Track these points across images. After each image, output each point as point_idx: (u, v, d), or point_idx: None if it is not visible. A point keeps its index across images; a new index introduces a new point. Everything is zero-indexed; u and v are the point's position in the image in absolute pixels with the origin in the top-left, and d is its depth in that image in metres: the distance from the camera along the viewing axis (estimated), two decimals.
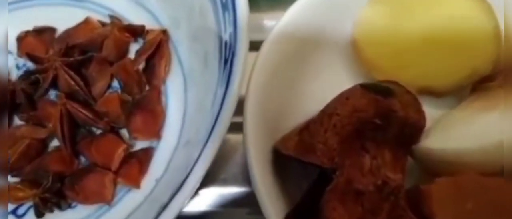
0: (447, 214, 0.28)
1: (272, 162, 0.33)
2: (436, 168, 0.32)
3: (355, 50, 0.38)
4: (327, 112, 0.31)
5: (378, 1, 0.38)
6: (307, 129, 0.31)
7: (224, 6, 0.30)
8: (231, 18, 0.29)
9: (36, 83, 0.38)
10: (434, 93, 0.36)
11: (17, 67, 0.40)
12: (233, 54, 0.28)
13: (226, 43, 0.30)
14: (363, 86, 0.31)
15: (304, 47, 0.37)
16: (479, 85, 0.36)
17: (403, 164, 0.32)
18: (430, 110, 0.33)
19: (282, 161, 0.34)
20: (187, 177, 0.27)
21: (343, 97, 0.31)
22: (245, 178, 0.40)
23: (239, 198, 0.39)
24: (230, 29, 0.30)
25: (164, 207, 0.27)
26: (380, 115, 0.30)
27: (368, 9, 0.38)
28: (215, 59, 0.32)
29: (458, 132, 0.32)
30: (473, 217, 0.29)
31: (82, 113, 0.36)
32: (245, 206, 0.39)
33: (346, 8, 0.38)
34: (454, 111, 0.35)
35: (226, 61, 0.29)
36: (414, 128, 0.32)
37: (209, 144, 0.27)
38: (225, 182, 0.39)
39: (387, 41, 0.37)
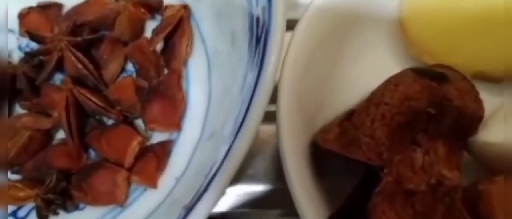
0: (509, 217, 0.25)
1: (309, 157, 0.30)
2: (496, 164, 0.29)
3: (402, 30, 0.34)
4: (374, 101, 0.28)
5: None
6: (350, 120, 0.28)
7: None
8: None
9: (40, 66, 0.33)
10: (491, 79, 0.33)
11: (20, 48, 0.36)
12: (266, 32, 0.24)
13: (257, 20, 0.25)
14: (414, 71, 0.29)
15: (344, 26, 0.34)
16: None
17: (459, 160, 0.28)
18: (486, 98, 0.29)
19: (320, 156, 0.30)
20: (214, 175, 0.23)
21: (392, 84, 0.28)
22: (277, 174, 0.36)
23: (269, 197, 0.36)
24: (262, 2, 0.25)
25: (189, 210, 0.22)
26: (434, 104, 0.28)
27: None
28: (245, 38, 0.27)
29: None
30: None
31: (92, 100, 0.31)
32: (276, 206, 0.35)
33: None
34: None
35: (258, 41, 0.25)
36: (471, 119, 0.29)
37: (239, 137, 0.23)
38: (253, 179, 0.36)
39: (438, 19, 0.34)
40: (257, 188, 0.35)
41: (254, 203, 0.35)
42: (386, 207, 0.25)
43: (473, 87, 0.29)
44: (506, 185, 0.26)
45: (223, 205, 0.35)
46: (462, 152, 0.29)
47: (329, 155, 0.29)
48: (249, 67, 0.25)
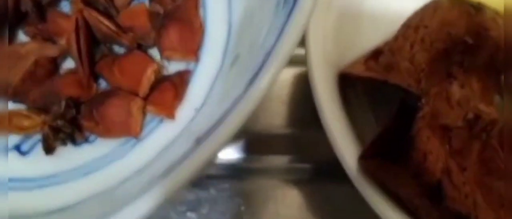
0: None
1: (338, 88, 0.29)
2: None
3: None
4: (413, 24, 0.27)
5: None
6: (386, 47, 0.27)
7: None
8: None
9: None
10: None
11: None
12: None
13: None
14: None
15: None
16: None
17: (492, 97, 0.27)
18: None
19: (349, 92, 0.29)
20: (233, 107, 0.20)
21: (431, 8, 0.28)
22: (290, 120, 0.35)
23: (279, 143, 0.35)
24: None
25: (200, 141, 0.20)
26: (471, 32, 0.27)
27: None
28: None
29: None
30: None
31: (103, 23, 0.29)
32: (287, 152, 0.34)
33: None
34: None
35: None
36: (509, 54, 0.27)
37: (272, 57, 0.20)
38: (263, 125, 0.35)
39: None
40: (268, 132, 0.35)
41: (264, 149, 0.34)
42: (430, 133, 0.24)
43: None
44: None
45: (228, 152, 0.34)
46: (495, 90, 0.27)
47: (357, 90, 0.29)
48: None
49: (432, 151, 0.24)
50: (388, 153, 0.25)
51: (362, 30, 0.32)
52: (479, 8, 0.28)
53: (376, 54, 0.28)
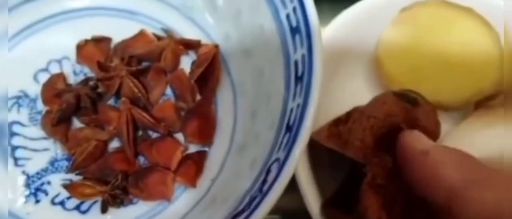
0: None
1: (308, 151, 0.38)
2: None
3: (377, 65, 0.43)
4: (366, 114, 0.35)
5: (401, 23, 0.44)
6: (337, 125, 0.35)
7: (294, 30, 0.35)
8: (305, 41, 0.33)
9: (94, 89, 0.41)
10: (443, 108, 0.41)
11: (74, 73, 0.43)
12: (309, 70, 0.32)
13: (296, 62, 0.34)
14: (395, 94, 0.36)
15: (336, 59, 0.43)
16: (483, 103, 0.41)
17: None
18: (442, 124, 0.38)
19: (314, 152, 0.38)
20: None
21: (380, 102, 0.35)
22: None
23: None
24: (302, 50, 0.34)
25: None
26: (407, 121, 0.35)
27: (390, 29, 0.44)
28: (279, 72, 0.36)
29: (463, 145, 0.35)
30: None
31: (145, 117, 0.39)
32: None
33: (371, 28, 0.44)
34: (461, 125, 0.40)
35: (297, 79, 0.33)
36: (431, 137, 0.35)
37: (289, 160, 0.30)
38: None
39: (407, 58, 0.42)
40: None
41: None
42: (370, 192, 0.32)
43: (435, 111, 0.36)
44: None
45: None
46: None
47: (321, 152, 0.37)
48: (288, 100, 0.34)
49: (371, 205, 0.32)
50: (343, 205, 0.33)
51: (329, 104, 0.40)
52: (415, 102, 0.36)
53: (337, 122, 0.35)
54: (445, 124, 0.39)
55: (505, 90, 0.42)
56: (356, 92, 0.43)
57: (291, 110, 0.33)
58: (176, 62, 0.42)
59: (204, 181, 0.39)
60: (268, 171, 0.31)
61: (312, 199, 0.36)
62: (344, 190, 0.35)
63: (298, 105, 0.32)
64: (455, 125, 0.41)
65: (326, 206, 0.35)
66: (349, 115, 0.35)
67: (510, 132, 0.37)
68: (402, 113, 0.35)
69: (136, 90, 0.40)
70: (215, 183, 0.39)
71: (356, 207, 0.33)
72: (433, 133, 0.36)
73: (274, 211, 0.40)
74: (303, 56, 0.33)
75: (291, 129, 0.32)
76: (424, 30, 0.43)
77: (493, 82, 0.41)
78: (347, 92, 0.43)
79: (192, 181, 0.39)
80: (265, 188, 0.30)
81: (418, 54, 0.42)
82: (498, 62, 0.42)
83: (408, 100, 0.35)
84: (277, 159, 0.31)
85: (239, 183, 0.34)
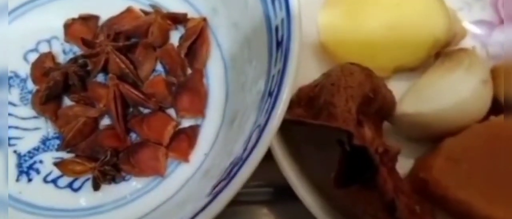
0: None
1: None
2: (412, 130, 0.38)
3: (326, 52, 0.43)
4: (342, 84, 0.34)
5: (331, 4, 0.44)
6: (318, 100, 0.35)
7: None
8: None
9: (84, 67, 0.40)
10: (407, 69, 0.42)
11: (64, 52, 0.43)
12: (288, 35, 0.32)
13: (276, 28, 0.33)
14: (353, 64, 0.35)
15: None
16: (441, 52, 0.41)
17: (381, 135, 0.37)
18: (407, 83, 0.40)
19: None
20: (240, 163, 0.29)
21: (347, 71, 0.35)
22: None
23: None
24: (281, 14, 0.33)
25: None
26: (372, 90, 0.35)
27: (324, 13, 0.44)
28: (263, 43, 0.35)
29: (427, 95, 0.37)
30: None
31: (134, 93, 0.39)
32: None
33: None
34: (423, 77, 0.40)
35: (278, 44, 0.33)
36: (391, 104, 0.37)
37: (269, 126, 0.29)
38: None
39: (351, 37, 0.42)
40: None
41: None
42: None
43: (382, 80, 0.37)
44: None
45: None
46: (382, 130, 0.37)
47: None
48: (271, 66, 0.33)
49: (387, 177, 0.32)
50: (357, 181, 0.32)
51: None
52: (371, 72, 0.36)
53: (309, 100, 0.35)
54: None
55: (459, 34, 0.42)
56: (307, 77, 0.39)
57: (273, 76, 0.32)
58: (165, 37, 0.42)
59: (197, 155, 0.39)
60: (249, 139, 0.31)
61: (289, 170, 0.36)
62: (345, 168, 0.33)
63: (278, 71, 0.31)
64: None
65: (339, 185, 0.33)
66: (319, 89, 0.35)
67: (470, 75, 0.37)
68: (368, 82, 0.35)
69: (123, 65, 0.39)
70: (208, 156, 0.38)
71: (373, 181, 0.31)
72: (392, 100, 0.37)
73: (267, 184, 0.42)
74: (282, 20, 0.33)
75: (271, 94, 0.31)
76: (358, 3, 0.43)
77: (446, 27, 0.41)
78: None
79: (185, 156, 0.38)
80: (245, 155, 0.29)
81: (361, 29, 0.42)
82: (443, 6, 0.42)
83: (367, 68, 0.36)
84: (258, 125, 0.30)
85: (230, 156, 0.33)
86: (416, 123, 0.37)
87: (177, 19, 0.42)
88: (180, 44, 0.41)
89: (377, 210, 0.31)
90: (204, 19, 0.41)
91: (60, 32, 0.43)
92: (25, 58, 0.42)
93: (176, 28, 0.43)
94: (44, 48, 0.42)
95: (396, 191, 0.32)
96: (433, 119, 0.37)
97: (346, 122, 0.32)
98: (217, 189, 0.29)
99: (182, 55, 0.41)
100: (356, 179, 0.33)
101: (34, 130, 0.40)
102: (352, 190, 0.32)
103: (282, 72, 0.31)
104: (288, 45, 0.32)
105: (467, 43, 0.43)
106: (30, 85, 0.41)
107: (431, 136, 0.37)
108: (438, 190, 0.34)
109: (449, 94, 0.37)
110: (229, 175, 0.29)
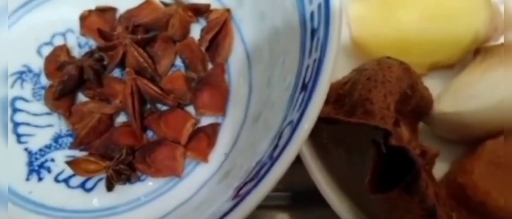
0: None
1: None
2: (450, 130, 0.35)
3: (357, 48, 0.40)
4: (379, 79, 0.31)
5: None
6: (355, 94, 0.32)
7: None
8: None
9: (100, 60, 0.38)
10: (444, 66, 0.39)
11: (79, 45, 0.41)
12: (326, 22, 0.29)
13: (312, 14, 0.31)
14: (390, 58, 0.33)
15: None
16: (481, 47, 0.37)
17: (417, 136, 0.34)
18: (443, 82, 0.37)
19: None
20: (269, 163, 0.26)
21: (385, 65, 0.32)
22: None
23: None
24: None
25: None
26: (410, 86, 0.32)
27: (355, 6, 0.41)
28: (295, 33, 0.33)
29: (467, 94, 0.34)
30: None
31: (152, 88, 0.36)
32: None
33: None
34: (461, 75, 0.37)
35: (313, 33, 0.30)
36: (428, 102, 0.34)
37: (303, 121, 0.27)
38: None
39: (384, 31, 0.39)
40: None
41: None
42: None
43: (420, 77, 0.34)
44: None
45: None
46: (418, 131, 0.35)
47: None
48: (304, 57, 0.30)
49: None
50: (394, 186, 0.29)
51: None
52: (410, 67, 0.33)
53: (339, 97, 0.32)
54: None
55: (501, 28, 0.39)
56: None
57: (307, 67, 0.29)
58: (185, 30, 0.39)
59: (217, 155, 0.36)
60: (280, 136, 0.28)
61: (318, 173, 0.33)
62: (381, 170, 0.31)
63: (314, 61, 0.29)
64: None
65: (376, 190, 0.30)
66: (351, 85, 0.32)
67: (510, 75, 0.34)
68: (406, 77, 0.32)
69: (141, 59, 0.37)
70: (229, 157, 0.35)
71: (414, 186, 0.28)
72: (429, 98, 0.34)
73: (286, 188, 0.39)
74: (319, 5, 0.30)
75: (306, 87, 0.28)
76: None
77: (487, 21, 0.38)
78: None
79: (204, 156, 0.36)
80: (275, 153, 0.26)
81: (395, 22, 0.39)
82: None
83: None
84: (290, 122, 0.28)
85: (254, 156, 0.31)
86: (455, 123, 0.34)
87: (200, 11, 0.39)
88: (201, 37, 0.39)
89: (416, 216, 0.28)
90: (228, 10, 0.39)
91: (76, 25, 0.41)
92: (38, 52, 0.40)
93: (197, 21, 0.40)
94: (59, 41, 0.41)
95: (436, 197, 0.29)
96: (474, 119, 0.33)
97: (384, 120, 0.29)
98: (243, 191, 0.26)
99: (203, 49, 0.38)
100: (391, 183, 0.30)
101: (46, 127, 0.38)
102: (391, 195, 0.29)
103: (319, 62, 0.28)
104: (327, 32, 0.29)
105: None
106: (44, 80, 0.39)
107: (470, 138, 0.34)
108: (477, 196, 0.31)
109: (491, 93, 0.33)
110: (257, 176, 0.26)
